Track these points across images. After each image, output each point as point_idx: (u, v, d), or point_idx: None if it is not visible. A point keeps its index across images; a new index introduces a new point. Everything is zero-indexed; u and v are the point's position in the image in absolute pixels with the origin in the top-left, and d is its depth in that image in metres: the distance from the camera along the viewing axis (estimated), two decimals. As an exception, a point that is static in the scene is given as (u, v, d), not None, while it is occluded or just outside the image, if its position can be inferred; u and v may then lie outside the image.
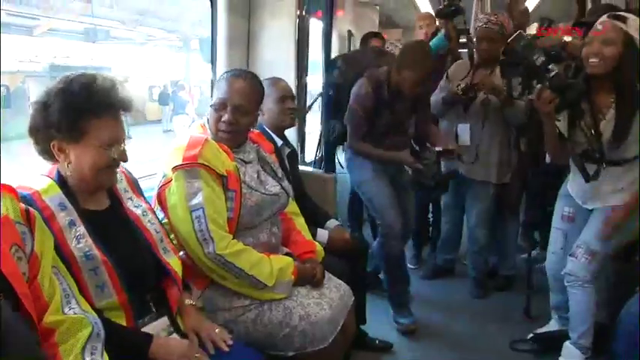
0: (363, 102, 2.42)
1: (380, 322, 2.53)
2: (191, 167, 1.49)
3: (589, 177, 2.03)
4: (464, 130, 2.79)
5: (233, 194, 1.54)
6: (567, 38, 2.65)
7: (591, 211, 2.12)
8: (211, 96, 1.76)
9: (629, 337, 1.70)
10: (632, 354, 1.68)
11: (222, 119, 1.60)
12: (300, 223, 1.89)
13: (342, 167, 2.94)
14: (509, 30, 2.73)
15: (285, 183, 1.78)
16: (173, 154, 1.53)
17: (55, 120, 1.18)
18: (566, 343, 2.19)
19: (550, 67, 2.15)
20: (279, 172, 1.79)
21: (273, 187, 1.68)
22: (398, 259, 2.56)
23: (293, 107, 2.23)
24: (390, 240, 2.50)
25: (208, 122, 1.65)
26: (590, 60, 1.92)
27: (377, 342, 2.40)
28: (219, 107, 1.61)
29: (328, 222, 2.23)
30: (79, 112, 1.19)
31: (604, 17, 1.95)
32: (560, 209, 2.27)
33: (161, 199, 1.56)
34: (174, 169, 1.50)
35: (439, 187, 2.66)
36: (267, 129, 2.17)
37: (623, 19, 1.90)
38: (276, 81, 2.23)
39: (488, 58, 2.72)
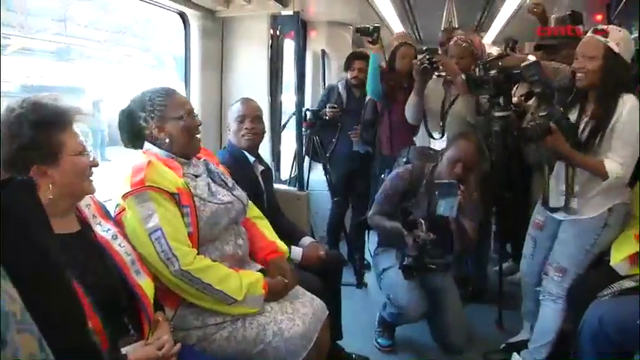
0: (396, 184, 2.47)
1: (356, 337, 2.55)
2: (139, 192, 1.50)
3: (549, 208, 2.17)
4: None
5: (188, 209, 1.56)
6: (532, 57, 2.73)
7: (561, 221, 2.19)
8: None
9: (590, 341, 1.77)
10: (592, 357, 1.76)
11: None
12: (263, 225, 1.93)
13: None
14: (478, 47, 2.85)
15: (238, 191, 1.80)
16: (121, 185, 1.54)
17: (28, 140, 1.20)
18: (515, 355, 2.28)
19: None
20: (229, 182, 1.82)
21: (224, 196, 1.71)
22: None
23: (248, 128, 2.26)
24: (402, 318, 2.45)
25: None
26: (577, 75, 2.02)
27: (353, 356, 2.42)
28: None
29: (303, 239, 2.26)
30: (51, 127, 1.23)
31: (589, 32, 2.06)
32: (534, 215, 2.36)
33: (120, 226, 1.54)
34: (124, 196, 1.51)
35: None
36: (237, 146, 2.25)
37: (605, 33, 1.99)
38: (242, 101, 2.31)
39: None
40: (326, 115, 3.48)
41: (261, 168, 2.30)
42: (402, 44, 3.30)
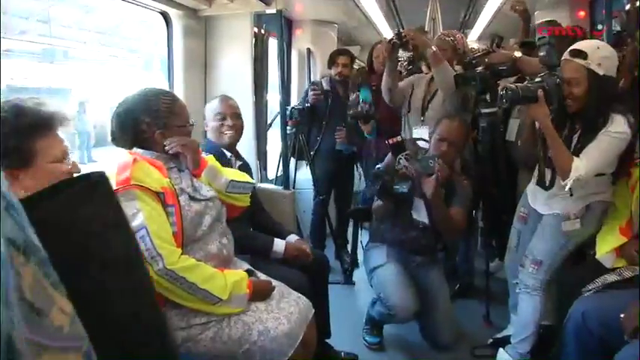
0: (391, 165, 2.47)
1: (345, 335, 2.55)
2: (125, 190, 1.48)
3: (545, 185, 2.12)
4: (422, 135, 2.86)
5: (173, 209, 1.55)
6: (517, 54, 2.76)
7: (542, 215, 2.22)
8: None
9: (574, 336, 1.79)
10: (576, 354, 1.77)
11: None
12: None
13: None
14: (461, 46, 2.87)
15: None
16: None
17: (4, 145, 1.18)
18: (501, 350, 2.29)
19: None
20: None
21: (207, 191, 1.72)
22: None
23: (229, 125, 2.27)
24: (393, 318, 2.44)
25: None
26: (567, 101, 1.99)
27: (342, 354, 2.42)
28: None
29: (289, 237, 2.26)
30: (31, 132, 1.20)
31: (566, 55, 2.01)
32: (518, 208, 2.38)
33: None
34: None
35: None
36: (215, 144, 2.25)
37: (584, 55, 1.95)
38: (221, 99, 2.31)
39: None
40: (308, 102, 3.45)
41: (238, 163, 2.31)
42: (377, 43, 3.32)
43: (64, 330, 0.32)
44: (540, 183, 2.14)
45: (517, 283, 2.28)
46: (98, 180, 0.67)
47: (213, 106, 2.31)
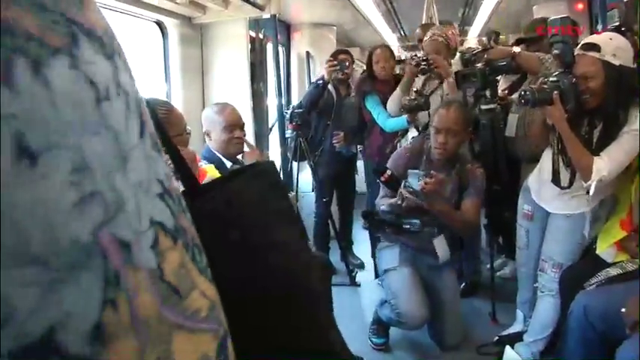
0: (397, 163, 2.46)
1: (350, 337, 2.54)
2: None
3: (560, 185, 2.06)
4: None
5: None
6: (516, 49, 2.74)
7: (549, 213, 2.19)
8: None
9: (576, 331, 1.78)
10: (578, 351, 1.76)
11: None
12: None
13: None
14: (453, 42, 2.86)
15: None
16: None
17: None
18: (508, 348, 2.28)
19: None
20: None
21: None
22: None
23: (239, 137, 2.27)
24: (402, 325, 2.43)
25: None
26: (583, 96, 1.91)
27: (347, 357, 2.41)
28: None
29: None
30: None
31: (578, 50, 1.95)
32: (521, 205, 2.34)
33: None
34: None
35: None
36: (216, 152, 2.24)
37: (597, 47, 1.89)
38: (223, 108, 2.27)
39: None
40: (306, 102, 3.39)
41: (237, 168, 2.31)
42: (376, 47, 3.31)
43: (202, 313, 0.33)
44: (555, 181, 2.06)
45: (536, 286, 2.25)
46: (266, 168, 0.68)
47: (218, 117, 2.25)
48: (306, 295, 0.73)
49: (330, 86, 3.46)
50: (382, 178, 2.33)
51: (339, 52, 3.57)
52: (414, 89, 2.79)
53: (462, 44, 4.12)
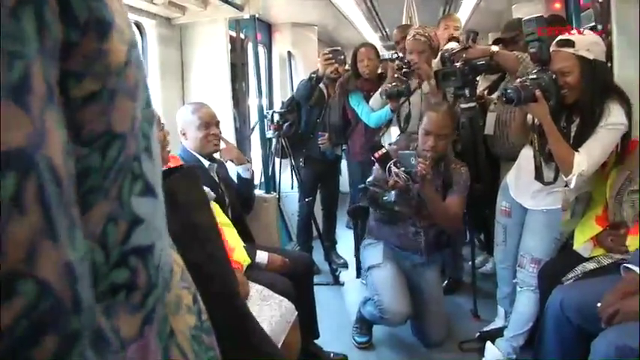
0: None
1: (334, 336, 2.57)
2: None
3: (544, 181, 2.08)
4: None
5: None
6: (495, 48, 2.76)
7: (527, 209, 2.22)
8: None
9: (553, 325, 1.81)
10: (555, 342, 1.79)
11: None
12: (226, 232, 1.92)
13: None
14: (436, 42, 2.87)
15: None
16: None
17: None
18: (488, 343, 2.30)
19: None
20: None
21: None
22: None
23: (215, 133, 2.27)
24: (385, 321, 2.44)
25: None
26: (562, 91, 1.95)
27: (331, 355, 2.43)
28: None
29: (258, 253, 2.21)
30: None
31: (553, 46, 1.99)
32: (499, 202, 2.37)
33: None
34: None
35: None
36: (192, 152, 2.25)
37: (572, 43, 1.93)
38: (199, 107, 2.28)
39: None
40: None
41: (215, 166, 2.32)
42: (361, 45, 3.31)
43: (178, 276, 0.45)
44: (538, 178, 2.09)
45: (516, 282, 2.27)
46: (191, 170, 0.80)
47: (193, 116, 2.26)
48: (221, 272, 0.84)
49: (321, 84, 3.43)
50: (376, 155, 2.35)
51: (334, 50, 3.57)
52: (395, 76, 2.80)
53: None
